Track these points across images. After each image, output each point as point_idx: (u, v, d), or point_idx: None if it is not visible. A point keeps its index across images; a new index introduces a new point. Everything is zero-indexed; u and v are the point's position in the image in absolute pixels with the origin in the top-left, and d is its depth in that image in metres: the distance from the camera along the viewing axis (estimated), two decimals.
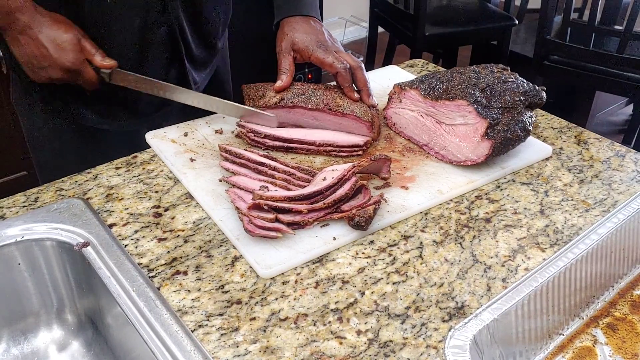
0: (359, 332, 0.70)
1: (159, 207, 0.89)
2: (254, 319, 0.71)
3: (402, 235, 0.85)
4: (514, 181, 0.97)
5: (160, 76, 1.06)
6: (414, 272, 0.78)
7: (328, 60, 1.05)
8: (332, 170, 0.88)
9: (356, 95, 1.05)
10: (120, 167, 0.97)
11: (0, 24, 0.93)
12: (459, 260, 0.80)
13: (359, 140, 1.01)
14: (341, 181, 0.84)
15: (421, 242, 0.84)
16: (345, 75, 1.04)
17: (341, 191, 0.84)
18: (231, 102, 1.06)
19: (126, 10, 1.00)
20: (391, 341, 0.69)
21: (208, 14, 1.13)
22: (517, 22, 2.76)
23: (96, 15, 0.99)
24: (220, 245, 0.82)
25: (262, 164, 0.92)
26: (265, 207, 0.80)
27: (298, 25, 1.09)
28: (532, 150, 1.03)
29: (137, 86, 1.03)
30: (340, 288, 0.76)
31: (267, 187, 0.85)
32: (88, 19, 0.99)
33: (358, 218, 0.81)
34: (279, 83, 1.04)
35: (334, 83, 1.09)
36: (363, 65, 1.07)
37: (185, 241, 0.82)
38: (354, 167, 0.86)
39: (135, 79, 1.02)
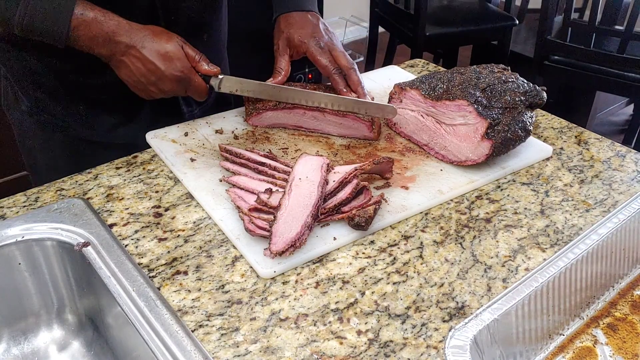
0: (359, 332, 0.70)
1: (159, 207, 0.89)
2: (254, 319, 0.71)
3: (402, 236, 0.85)
4: (514, 181, 0.97)
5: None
6: (414, 272, 0.78)
7: (322, 62, 1.04)
8: (334, 172, 0.88)
9: (353, 95, 1.04)
10: (121, 167, 0.97)
11: (104, 53, 0.91)
12: (459, 261, 0.80)
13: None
14: (342, 184, 0.84)
15: (421, 242, 0.84)
16: (338, 79, 1.04)
17: (342, 194, 0.84)
18: (371, 102, 1.02)
19: None
20: (391, 341, 0.69)
21: None
22: (517, 22, 2.76)
23: None
24: (221, 245, 0.82)
25: (263, 164, 0.91)
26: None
27: (294, 20, 1.08)
28: (533, 150, 1.03)
29: (248, 91, 0.99)
30: (340, 288, 0.76)
31: (270, 189, 0.85)
32: None
33: (358, 218, 0.81)
34: (270, 81, 1.03)
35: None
36: (356, 66, 1.06)
37: (186, 241, 0.82)
38: (356, 170, 0.86)
39: (247, 84, 0.97)
